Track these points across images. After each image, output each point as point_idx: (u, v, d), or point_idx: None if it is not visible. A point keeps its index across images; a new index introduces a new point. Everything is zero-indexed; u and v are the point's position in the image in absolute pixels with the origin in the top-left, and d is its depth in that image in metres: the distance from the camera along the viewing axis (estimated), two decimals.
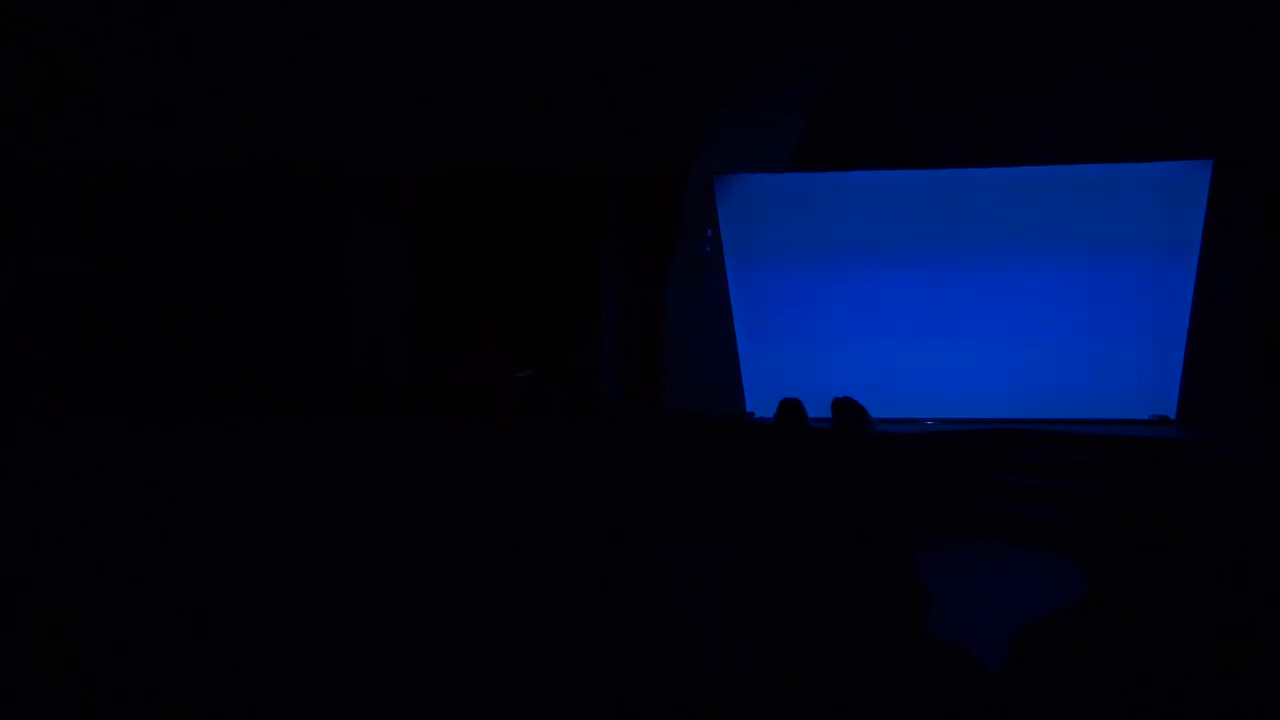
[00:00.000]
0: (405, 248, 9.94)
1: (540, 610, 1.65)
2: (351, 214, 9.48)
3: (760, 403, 9.80)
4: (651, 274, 9.84)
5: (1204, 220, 9.04)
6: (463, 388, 9.56)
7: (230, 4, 7.65)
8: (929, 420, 9.22)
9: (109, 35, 7.68)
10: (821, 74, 9.64)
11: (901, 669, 1.80)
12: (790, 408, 5.74)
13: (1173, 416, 9.10)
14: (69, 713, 2.40)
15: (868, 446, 5.50)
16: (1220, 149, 9.00)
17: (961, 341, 9.58)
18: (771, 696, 1.87)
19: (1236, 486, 6.35)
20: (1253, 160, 8.83)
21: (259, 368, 8.71)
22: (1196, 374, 9.05)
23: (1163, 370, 9.20)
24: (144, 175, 8.51)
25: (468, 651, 1.69)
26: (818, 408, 5.73)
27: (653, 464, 8.73)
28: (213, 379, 8.53)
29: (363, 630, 2.60)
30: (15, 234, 8.37)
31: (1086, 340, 9.37)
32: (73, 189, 8.44)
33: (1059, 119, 9.38)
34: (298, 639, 2.61)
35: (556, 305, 9.87)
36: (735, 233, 10.05)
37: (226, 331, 8.81)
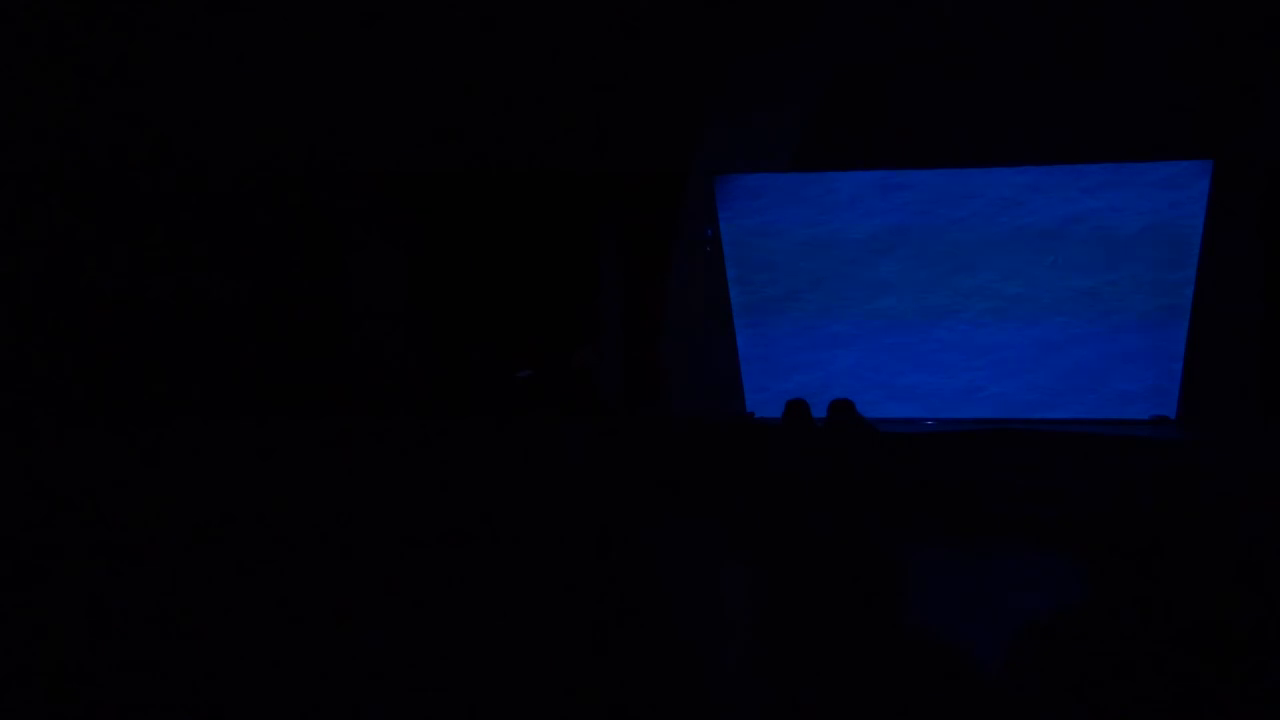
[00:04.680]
0: (405, 248, 9.93)
1: (540, 609, 1.65)
2: (351, 214, 9.48)
3: (760, 403, 9.80)
4: (651, 274, 9.83)
5: (1204, 220, 9.04)
6: (463, 388, 9.56)
7: (230, 4, 7.65)
8: (929, 420, 9.22)
9: (108, 35, 7.67)
10: (821, 74, 9.64)
11: (900, 669, 1.80)
12: (798, 408, 5.79)
13: (1173, 416, 9.10)
14: (68, 712, 2.40)
15: (866, 446, 5.53)
16: (1220, 149, 9.00)
17: (962, 341, 9.58)
18: (761, 693, 1.87)
19: (1236, 486, 6.34)
20: (1253, 160, 8.82)
21: (258, 368, 8.71)
22: (1196, 374, 9.04)
23: (1163, 370, 9.20)
24: (142, 175, 8.50)
25: (468, 651, 1.69)
26: (817, 408, 5.79)
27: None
28: (212, 379, 8.52)
29: (363, 629, 2.60)
30: (13, 234, 8.36)
31: (1087, 340, 9.37)
32: (70, 188, 8.43)
33: (1059, 119, 9.38)
34: (298, 637, 2.61)
35: (556, 305, 9.86)
36: (735, 233, 10.06)
37: (225, 332, 8.80)
